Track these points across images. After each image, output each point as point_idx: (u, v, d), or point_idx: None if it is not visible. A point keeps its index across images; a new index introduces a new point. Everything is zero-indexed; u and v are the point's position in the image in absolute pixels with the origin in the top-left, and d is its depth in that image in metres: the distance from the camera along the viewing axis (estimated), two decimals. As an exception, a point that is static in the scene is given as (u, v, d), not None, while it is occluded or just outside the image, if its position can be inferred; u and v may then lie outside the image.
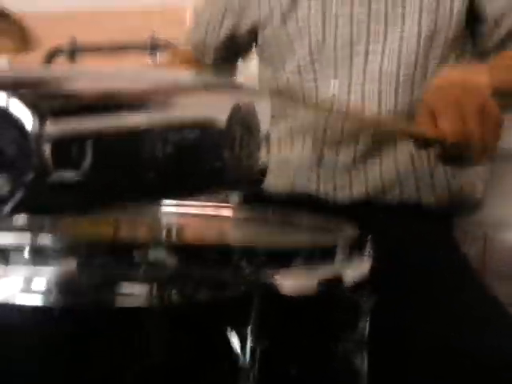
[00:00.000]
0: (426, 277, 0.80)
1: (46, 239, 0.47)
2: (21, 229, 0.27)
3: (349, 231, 0.65)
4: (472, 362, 0.71)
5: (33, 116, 0.24)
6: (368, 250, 0.65)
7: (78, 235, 0.55)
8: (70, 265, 0.46)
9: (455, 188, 0.91)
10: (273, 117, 1.01)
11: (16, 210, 0.24)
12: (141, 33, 1.39)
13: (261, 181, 0.40)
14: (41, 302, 0.45)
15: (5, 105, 0.24)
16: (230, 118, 0.35)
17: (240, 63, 1.08)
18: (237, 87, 0.40)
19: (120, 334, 0.48)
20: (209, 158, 0.35)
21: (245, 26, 0.98)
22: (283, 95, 0.93)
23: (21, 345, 0.47)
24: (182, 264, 0.48)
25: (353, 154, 0.89)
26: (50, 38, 1.23)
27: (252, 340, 0.48)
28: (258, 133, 0.39)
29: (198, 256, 0.49)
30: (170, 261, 0.48)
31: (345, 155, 0.90)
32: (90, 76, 0.29)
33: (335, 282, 0.57)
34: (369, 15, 0.87)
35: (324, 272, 0.55)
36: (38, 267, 0.46)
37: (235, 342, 0.48)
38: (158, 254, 0.48)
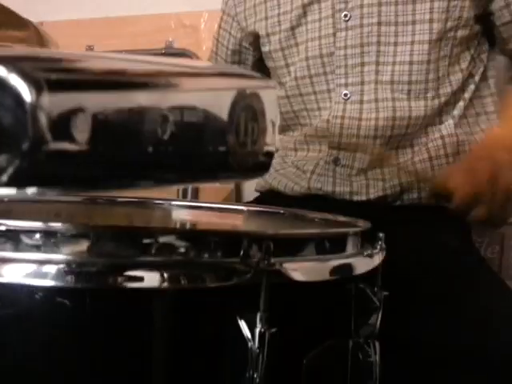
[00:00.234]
0: (441, 276, 0.79)
1: (57, 223, 0.48)
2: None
3: (361, 224, 0.65)
4: (489, 360, 0.71)
5: (29, 86, 0.24)
6: (380, 243, 0.65)
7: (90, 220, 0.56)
8: (81, 249, 0.47)
9: None
10: (286, 126, 1.04)
11: (13, 180, 0.25)
12: (156, 39, 1.41)
13: (266, 167, 0.40)
14: (51, 286, 0.46)
15: (1, 74, 0.24)
16: (234, 103, 0.36)
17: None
18: (242, 74, 0.41)
19: (129, 317, 0.49)
20: (212, 142, 0.35)
21: (251, 35, 0.99)
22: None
23: (30, 328, 0.48)
24: (192, 250, 0.48)
25: (369, 157, 0.89)
26: (68, 45, 1.25)
27: (261, 326, 0.48)
28: (264, 119, 0.39)
29: (207, 242, 0.49)
30: (180, 247, 0.48)
31: (361, 158, 0.90)
32: (102, 57, 0.30)
33: (345, 272, 0.57)
34: (379, 24, 0.87)
35: (334, 262, 0.55)
36: (48, 251, 0.47)
37: (244, 327, 0.48)
38: (168, 240, 0.48)
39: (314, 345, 0.55)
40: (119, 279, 0.46)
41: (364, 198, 0.90)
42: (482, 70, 0.92)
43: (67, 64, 0.28)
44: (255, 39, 0.99)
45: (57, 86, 0.26)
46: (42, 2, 1.50)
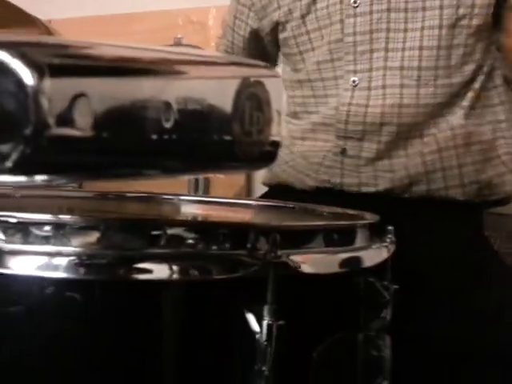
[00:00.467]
0: (452, 269, 0.78)
1: (66, 215, 0.48)
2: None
3: (370, 217, 0.64)
4: (501, 354, 0.70)
5: (31, 70, 0.24)
6: (390, 237, 0.64)
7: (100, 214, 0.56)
8: (91, 241, 0.47)
9: (484, 180, 0.89)
10: (294, 113, 1.04)
11: (17, 166, 0.25)
12: (164, 36, 1.41)
13: (273, 157, 0.40)
14: (61, 278, 0.46)
15: (2, 59, 0.25)
16: (239, 92, 0.35)
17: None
18: (247, 63, 0.40)
19: (138, 309, 0.49)
20: (217, 131, 0.35)
21: (267, 25, 0.99)
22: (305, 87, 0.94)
23: (40, 319, 0.48)
24: (200, 242, 0.48)
25: (376, 146, 0.88)
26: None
27: (268, 319, 0.48)
28: (269, 108, 0.39)
29: (215, 234, 0.49)
30: (189, 238, 0.48)
31: (368, 148, 0.89)
32: (105, 44, 0.30)
33: (354, 265, 0.57)
34: (388, 10, 0.86)
35: (342, 254, 0.55)
36: (58, 243, 0.47)
37: (252, 320, 0.48)
38: (176, 232, 0.48)
39: (323, 338, 0.55)
40: (128, 271, 0.47)
41: (373, 189, 0.89)
42: (491, 60, 0.91)
43: (69, 49, 0.28)
44: (272, 28, 0.99)
45: (59, 71, 0.26)
46: (50, 1, 1.51)
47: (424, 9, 0.86)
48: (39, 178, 0.26)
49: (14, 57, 0.25)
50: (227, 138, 0.34)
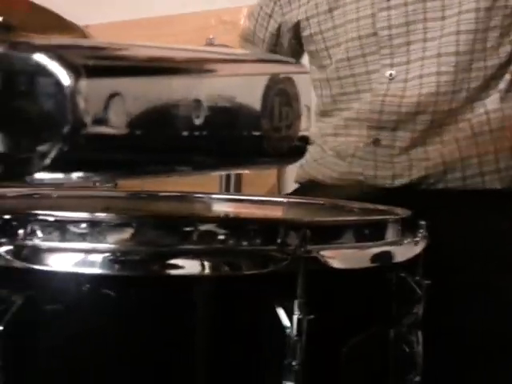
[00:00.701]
0: (487, 262, 0.77)
1: (101, 213, 0.50)
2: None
3: (401, 212, 0.64)
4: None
5: (68, 72, 0.26)
6: (422, 231, 0.64)
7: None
8: (125, 238, 0.48)
9: None
10: (325, 111, 1.04)
11: (56, 163, 0.26)
12: (197, 37, 1.42)
13: (302, 152, 0.40)
14: (97, 274, 0.47)
15: (41, 61, 0.26)
16: (268, 88, 0.36)
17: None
18: (276, 59, 0.41)
19: (171, 305, 0.50)
20: (247, 127, 0.35)
21: (289, 21, 0.99)
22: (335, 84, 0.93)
23: (77, 315, 0.50)
24: (231, 238, 0.49)
25: (411, 134, 0.86)
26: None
27: (299, 313, 0.48)
28: (298, 104, 0.39)
29: (246, 230, 0.49)
30: (220, 234, 0.49)
31: (402, 137, 0.87)
32: (138, 45, 0.31)
33: (384, 260, 0.57)
34: (422, 1, 0.85)
35: (373, 249, 0.55)
36: (94, 240, 0.48)
37: (282, 315, 0.49)
38: (208, 228, 0.49)
39: (353, 333, 0.55)
40: (161, 267, 0.48)
41: (407, 180, 0.88)
42: None
43: (104, 51, 0.29)
44: (294, 25, 0.99)
45: (94, 72, 0.27)
46: (87, 6, 1.55)
47: None
48: (76, 175, 0.27)
49: (51, 59, 0.26)
50: (257, 133, 0.35)
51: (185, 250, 0.48)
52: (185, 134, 0.30)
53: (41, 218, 0.49)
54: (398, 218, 0.61)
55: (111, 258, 0.48)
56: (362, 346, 0.55)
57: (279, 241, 0.49)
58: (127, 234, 0.49)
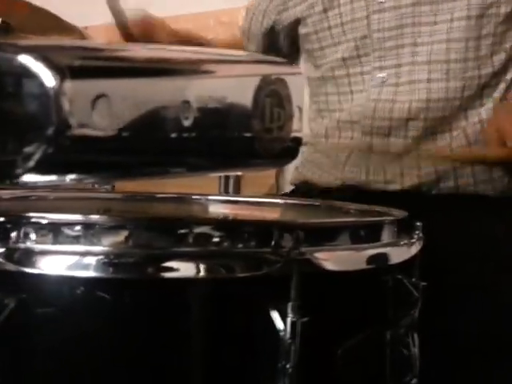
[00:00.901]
0: (482, 265, 0.77)
1: (95, 215, 0.50)
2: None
3: (397, 213, 0.64)
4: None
5: (52, 73, 0.25)
6: (417, 233, 0.63)
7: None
8: (119, 240, 0.48)
9: None
10: (318, 110, 1.04)
11: (41, 165, 0.26)
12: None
13: (295, 153, 0.40)
14: (91, 277, 0.47)
15: (25, 63, 0.26)
16: (259, 89, 0.36)
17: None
18: (267, 60, 0.41)
19: (166, 307, 0.50)
20: (238, 128, 0.35)
21: (285, 19, 0.99)
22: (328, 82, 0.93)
23: (71, 318, 0.49)
24: (226, 240, 0.49)
25: (403, 141, 0.87)
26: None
27: (292, 316, 0.48)
28: (290, 105, 0.39)
29: (241, 232, 0.49)
30: (215, 237, 0.49)
31: (395, 143, 0.88)
32: (124, 46, 0.31)
33: (380, 261, 0.57)
34: (415, 4, 0.85)
35: (368, 251, 0.55)
36: (87, 243, 0.48)
37: (276, 317, 0.49)
38: (202, 230, 0.49)
39: (349, 336, 0.54)
40: (156, 269, 0.48)
41: (398, 187, 0.88)
42: None
43: (90, 52, 0.29)
44: (290, 22, 0.99)
45: (80, 73, 0.27)
46: (86, 7, 1.54)
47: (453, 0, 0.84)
48: (64, 178, 0.27)
49: (36, 60, 0.26)
50: (248, 134, 0.35)
51: (179, 253, 0.48)
52: (174, 135, 0.30)
53: (34, 220, 0.49)
54: (394, 220, 0.61)
55: (105, 260, 0.47)
56: (357, 348, 0.55)
57: (273, 243, 0.49)
58: (121, 236, 0.49)
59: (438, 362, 0.68)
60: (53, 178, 0.27)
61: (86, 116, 0.27)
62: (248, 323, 0.50)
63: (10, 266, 0.47)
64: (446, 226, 0.78)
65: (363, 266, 0.54)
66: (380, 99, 0.88)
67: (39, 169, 0.26)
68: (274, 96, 0.37)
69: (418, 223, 0.63)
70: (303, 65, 1.02)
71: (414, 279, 0.60)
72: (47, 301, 0.49)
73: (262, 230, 0.50)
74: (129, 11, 1.01)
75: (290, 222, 0.55)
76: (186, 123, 0.30)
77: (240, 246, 0.49)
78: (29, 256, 0.47)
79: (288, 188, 1.26)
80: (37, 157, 0.26)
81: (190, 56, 0.34)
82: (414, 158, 0.87)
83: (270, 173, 1.49)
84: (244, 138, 0.35)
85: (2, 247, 0.47)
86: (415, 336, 0.60)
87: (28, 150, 0.26)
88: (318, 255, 0.50)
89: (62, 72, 0.26)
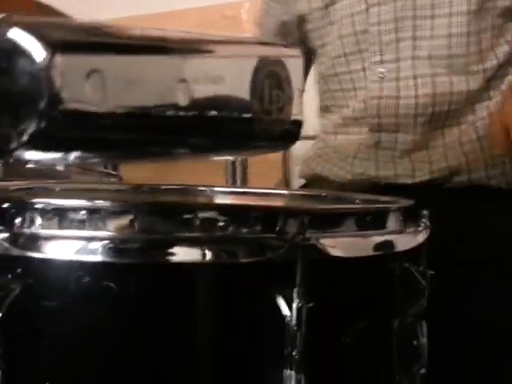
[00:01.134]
0: (491, 257, 0.76)
1: (99, 200, 0.50)
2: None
3: (403, 201, 0.63)
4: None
5: (43, 46, 0.25)
6: (424, 221, 0.63)
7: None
8: (123, 225, 0.48)
9: None
10: (325, 106, 1.03)
11: (34, 139, 0.26)
12: (201, 31, 1.43)
13: (295, 137, 0.40)
14: (95, 262, 0.47)
15: (16, 37, 0.26)
16: (257, 70, 0.36)
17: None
18: (266, 42, 0.41)
19: (171, 292, 0.50)
20: (236, 108, 0.35)
21: (292, 18, 0.98)
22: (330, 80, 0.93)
23: (74, 301, 0.50)
24: (231, 225, 0.48)
25: (412, 137, 0.86)
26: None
27: (298, 301, 0.48)
28: (289, 87, 0.39)
29: (246, 218, 0.49)
30: (220, 221, 0.48)
31: (404, 139, 0.87)
32: (121, 25, 0.30)
33: (386, 249, 0.56)
34: None
35: (373, 238, 0.54)
36: (92, 228, 0.48)
37: (282, 303, 0.48)
38: (208, 215, 0.49)
39: (355, 323, 0.54)
40: (161, 254, 0.48)
41: (410, 181, 0.87)
42: None
43: (82, 27, 0.29)
44: (299, 21, 0.98)
45: (72, 48, 0.27)
46: (89, 2, 1.56)
47: None
48: (58, 156, 0.27)
49: (27, 34, 0.26)
50: (247, 115, 0.35)
51: (184, 238, 0.48)
52: (170, 114, 0.30)
53: (39, 205, 0.49)
54: (400, 207, 0.60)
55: (110, 245, 0.47)
56: (364, 336, 0.55)
57: (278, 228, 0.49)
58: (126, 221, 0.49)
59: (447, 352, 0.67)
60: (48, 154, 0.27)
61: (78, 91, 0.26)
62: (254, 309, 0.50)
63: (16, 251, 0.47)
64: (457, 216, 0.77)
65: (368, 252, 0.53)
66: (382, 96, 0.87)
67: (33, 143, 0.26)
68: (272, 77, 0.37)
69: (425, 211, 0.63)
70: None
71: (421, 268, 0.60)
72: (53, 286, 0.49)
73: (267, 216, 0.50)
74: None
75: (295, 208, 0.55)
76: (183, 102, 0.30)
77: (245, 231, 0.49)
78: (34, 241, 0.48)
79: (296, 182, 1.25)
80: (29, 131, 0.26)
81: (187, 35, 0.33)
82: (424, 153, 0.87)
83: (278, 167, 1.49)
84: (243, 119, 0.35)
85: (8, 232, 0.47)
86: (424, 325, 0.60)
87: (21, 124, 0.26)
88: (324, 241, 0.50)
89: (53, 46, 0.26)
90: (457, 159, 0.86)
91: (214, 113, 0.33)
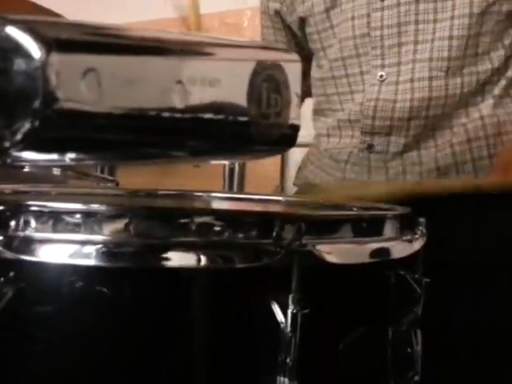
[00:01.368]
0: (487, 262, 0.76)
1: (95, 204, 0.49)
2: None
3: (399, 209, 0.63)
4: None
5: (39, 44, 0.25)
6: (421, 229, 0.63)
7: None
8: (118, 229, 0.48)
9: None
10: (320, 110, 1.03)
11: (27, 138, 0.26)
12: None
13: (292, 141, 0.40)
14: (89, 266, 0.47)
15: (12, 34, 0.26)
16: (255, 73, 0.36)
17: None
18: (265, 46, 0.41)
19: (165, 297, 0.49)
20: (233, 112, 0.35)
21: (295, 20, 0.99)
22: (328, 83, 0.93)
23: (67, 306, 0.49)
24: (227, 230, 0.48)
25: (404, 140, 0.87)
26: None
27: (293, 307, 0.48)
28: (288, 91, 0.39)
29: (242, 223, 0.49)
30: (216, 227, 0.48)
31: (396, 142, 0.87)
32: (118, 26, 0.30)
33: (382, 256, 0.56)
34: (416, 2, 0.85)
35: (370, 245, 0.54)
36: (86, 231, 0.47)
37: (277, 309, 0.48)
38: (204, 220, 0.48)
39: (350, 330, 0.54)
40: (156, 259, 0.47)
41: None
42: None
43: (79, 27, 0.29)
44: (299, 23, 0.99)
45: (68, 46, 0.26)
46: (92, 8, 1.56)
47: None
48: (54, 156, 0.27)
49: (23, 32, 0.26)
50: (244, 119, 0.35)
51: (180, 242, 0.48)
52: (166, 116, 0.30)
53: (33, 208, 0.49)
54: (397, 215, 0.60)
55: (105, 249, 0.47)
56: (359, 343, 0.55)
57: (274, 234, 0.49)
58: (121, 225, 0.48)
59: (446, 357, 0.67)
60: (43, 155, 0.27)
61: (74, 90, 0.26)
62: (249, 315, 0.50)
63: (9, 254, 0.46)
64: (449, 221, 0.77)
65: (365, 259, 0.53)
66: (379, 98, 0.87)
67: (28, 143, 0.26)
68: (270, 81, 0.36)
69: (422, 219, 0.63)
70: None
71: (417, 275, 0.59)
72: (46, 290, 0.49)
73: (264, 221, 0.49)
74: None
75: (291, 214, 0.55)
76: (179, 104, 0.30)
77: (241, 236, 0.49)
78: (28, 244, 0.47)
79: (293, 189, 1.26)
80: (24, 130, 0.26)
81: (185, 37, 0.33)
82: (415, 155, 0.87)
83: (275, 174, 1.49)
84: (240, 122, 0.35)
85: (1, 235, 0.47)
86: (418, 333, 0.60)
87: (15, 122, 0.26)
88: (320, 247, 0.49)
89: (48, 44, 0.25)
90: (446, 160, 0.87)
91: (210, 115, 0.33)
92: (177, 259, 0.47)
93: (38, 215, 0.48)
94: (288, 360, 0.48)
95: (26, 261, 0.47)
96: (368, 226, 0.56)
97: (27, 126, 0.26)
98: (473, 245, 0.78)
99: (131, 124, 0.29)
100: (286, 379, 0.48)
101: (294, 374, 0.48)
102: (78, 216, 0.48)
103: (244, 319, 0.50)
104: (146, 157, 0.33)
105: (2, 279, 0.47)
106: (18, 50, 0.26)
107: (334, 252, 0.51)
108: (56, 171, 0.97)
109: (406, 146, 0.87)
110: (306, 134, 0.92)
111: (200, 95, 0.31)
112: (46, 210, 0.49)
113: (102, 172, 1.14)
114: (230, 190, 1.39)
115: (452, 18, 0.85)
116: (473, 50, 0.85)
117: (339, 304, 0.54)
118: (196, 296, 0.50)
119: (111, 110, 0.28)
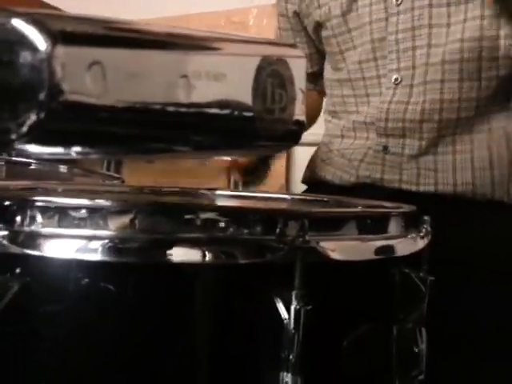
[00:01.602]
0: (492, 261, 0.76)
1: (101, 199, 0.50)
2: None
3: (405, 207, 0.63)
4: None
5: (45, 37, 0.25)
6: (426, 227, 0.63)
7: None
8: (123, 224, 0.48)
9: None
10: (333, 111, 1.03)
11: (33, 131, 0.26)
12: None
13: (297, 137, 0.40)
14: (94, 261, 0.47)
15: (18, 26, 0.26)
16: (260, 69, 0.36)
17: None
18: (270, 41, 0.41)
19: (170, 293, 0.49)
20: (238, 107, 0.35)
21: (310, 23, 0.99)
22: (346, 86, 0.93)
23: (72, 301, 0.49)
24: (231, 227, 0.48)
25: (418, 142, 0.86)
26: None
27: (296, 304, 0.48)
28: (293, 87, 0.39)
29: (245, 219, 0.49)
30: (221, 223, 0.48)
31: (411, 144, 0.87)
32: (125, 20, 0.31)
33: (386, 253, 0.56)
34: (430, 6, 0.85)
35: (374, 242, 0.54)
36: (92, 227, 0.48)
37: (280, 305, 0.48)
38: (209, 216, 0.48)
39: (354, 327, 0.54)
40: (161, 254, 0.47)
41: (414, 188, 0.87)
42: None
43: (85, 20, 0.29)
44: (314, 27, 0.99)
45: (74, 39, 0.27)
46: (98, 6, 1.56)
47: (467, 1, 0.83)
48: (60, 149, 0.27)
49: (28, 24, 0.26)
50: (248, 114, 0.35)
51: (185, 238, 0.48)
52: (171, 110, 0.30)
53: (39, 203, 0.49)
54: (401, 212, 0.60)
55: (110, 244, 0.47)
56: (363, 341, 0.54)
57: (278, 231, 0.49)
58: (126, 220, 0.48)
59: (451, 356, 0.67)
60: (48, 147, 0.27)
61: (79, 82, 0.26)
62: (253, 311, 0.50)
63: (15, 249, 0.47)
64: (460, 223, 0.77)
65: (369, 256, 0.53)
66: (393, 101, 0.87)
67: (33, 136, 0.26)
68: (275, 76, 0.36)
69: (426, 217, 0.62)
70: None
71: (421, 274, 0.59)
72: (51, 285, 0.49)
73: (268, 218, 0.49)
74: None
75: (295, 210, 0.55)
76: (184, 98, 0.30)
77: (245, 232, 0.49)
78: (34, 239, 0.47)
79: (298, 188, 1.26)
80: (29, 122, 0.26)
81: (190, 32, 0.33)
82: (431, 159, 0.87)
83: (281, 173, 1.49)
84: (245, 117, 0.35)
85: (7, 230, 0.47)
86: (423, 331, 0.60)
87: (20, 115, 0.26)
88: (324, 244, 0.49)
89: (54, 36, 0.26)
90: (464, 175, 0.85)
91: (215, 110, 0.33)
92: (181, 255, 0.48)
93: (44, 210, 0.48)
94: (291, 356, 0.48)
95: (31, 256, 0.48)
96: (373, 224, 0.56)
97: (33, 118, 0.26)
98: (477, 244, 0.78)
99: (135, 117, 0.30)
100: (289, 375, 0.48)
101: (297, 370, 0.48)
102: (84, 211, 0.48)
103: (247, 315, 0.50)
104: (150, 151, 0.33)
105: (8, 274, 0.47)
106: (24, 42, 0.26)
107: (338, 249, 0.51)
108: (62, 168, 0.97)
109: (420, 149, 0.87)
110: (312, 133, 0.93)
111: (205, 90, 0.32)
112: (51, 205, 0.49)
113: (108, 169, 1.15)
114: (236, 185, 1.39)
115: (464, 20, 0.84)
116: (490, 53, 0.84)
117: (343, 301, 0.54)
118: (200, 292, 0.50)
119: (116, 103, 0.28)
